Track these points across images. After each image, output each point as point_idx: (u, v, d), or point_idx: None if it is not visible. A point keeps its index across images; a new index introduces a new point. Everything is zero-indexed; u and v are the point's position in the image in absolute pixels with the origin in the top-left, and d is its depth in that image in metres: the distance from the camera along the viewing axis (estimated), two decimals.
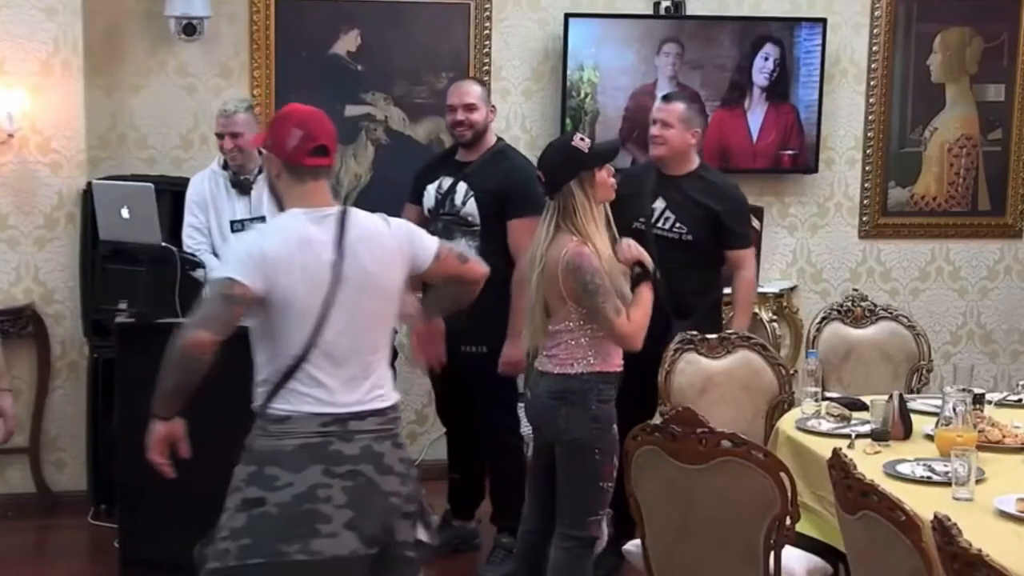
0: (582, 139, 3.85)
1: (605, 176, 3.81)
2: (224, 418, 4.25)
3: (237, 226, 4.84)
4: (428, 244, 3.23)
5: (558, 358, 3.81)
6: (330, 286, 2.98)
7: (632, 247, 3.86)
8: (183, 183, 5.59)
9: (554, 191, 3.79)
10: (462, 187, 4.75)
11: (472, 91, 4.83)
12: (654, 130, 4.66)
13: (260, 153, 4.88)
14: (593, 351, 3.79)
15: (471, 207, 4.71)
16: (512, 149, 4.98)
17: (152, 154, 5.85)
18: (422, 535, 3.13)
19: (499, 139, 4.93)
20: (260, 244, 3.01)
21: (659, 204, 4.64)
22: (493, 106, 4.94)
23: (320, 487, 2.94)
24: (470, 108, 4.77)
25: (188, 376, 2.98)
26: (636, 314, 3.76)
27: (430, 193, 4.83)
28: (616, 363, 3.86)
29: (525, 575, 4.03)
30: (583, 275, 3.69)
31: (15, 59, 5.42)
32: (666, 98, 4.83)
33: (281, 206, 3.14)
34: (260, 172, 4.87)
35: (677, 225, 4.61)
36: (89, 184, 5.36)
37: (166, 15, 5.67)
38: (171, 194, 5.43)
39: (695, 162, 4.72)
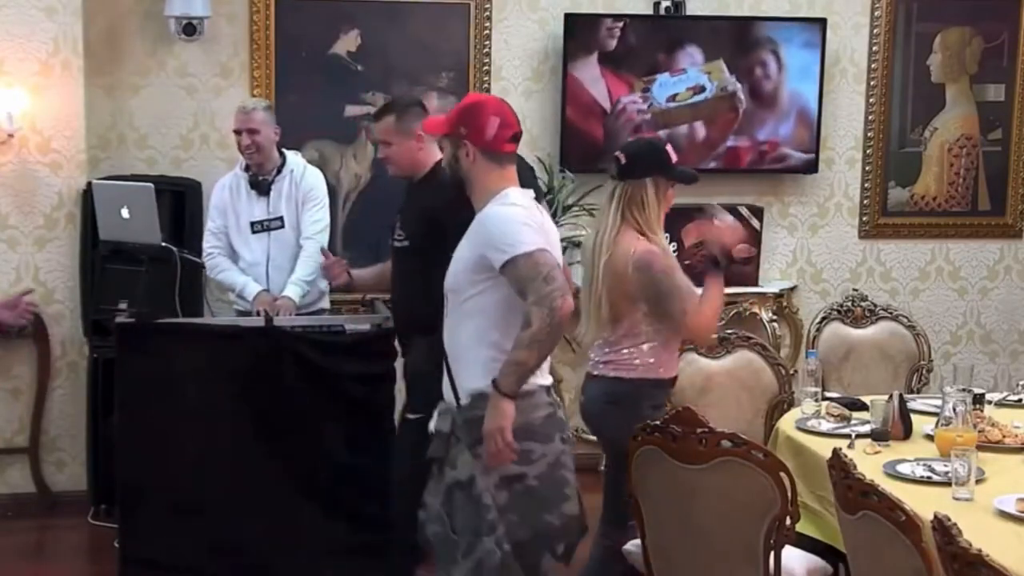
0: (671, 151, 3.88)
1: (672, 195, 3.87)
2: (223, 422, 4.28)
3: (257, 226, 4.89)
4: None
5: (615, 364, 3.84)
6: (559, 262, 3.23)
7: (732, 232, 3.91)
8: (183, 183, 5.62)
9: (628, 177, 3.81)
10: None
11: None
12: (380, 153, 4.34)
13: (280, 153, 4.93)
14: (653, 358, 3.82)
15: None
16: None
17: (152, 154, 5.85)
18: None
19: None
20: (527, 215, 3.18)
21: (398, 218, 4.30)
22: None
23: (563, 454, 3.22)
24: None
25: (550, 351, 3.15)
26: (707, 308, 3.79)
27: None
28: (672, 370, 3.90)
29: None
30: (655, 275, 3.72)
31: (15, 59, 5.42)
32: (375, 116, 4.40)
33: (465, 188, 3.32)
34: (279, 172, 4.90)
35: (398, 233, 4.25)
36: (89, 184, 5.37)
37: (166, 15, 5.67)
38: (171, 194, 5.44)
39: (428, 164, 4.25)
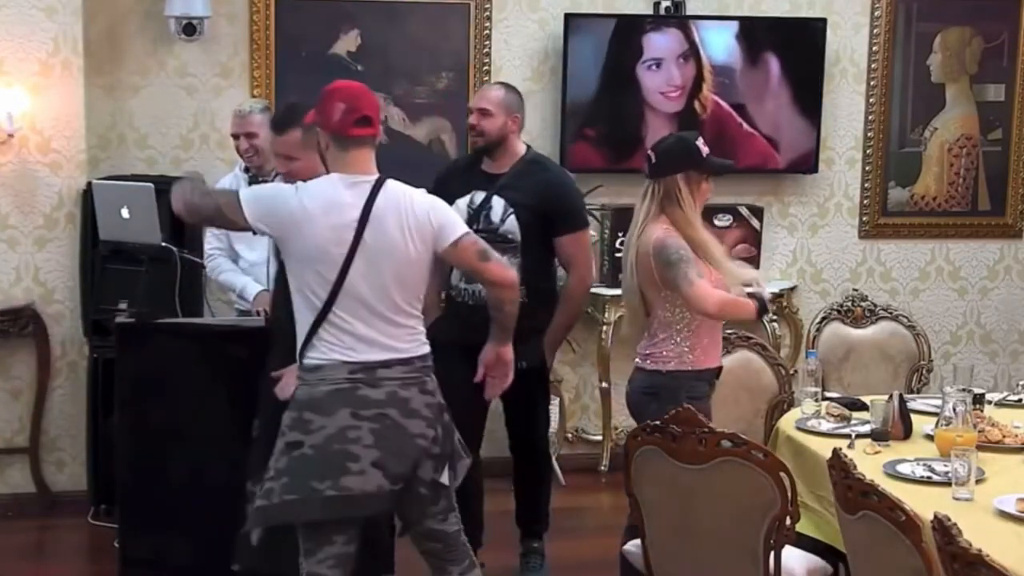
0: (704, 144, 3.92)
1: (707, 188, 3.93)
2: (224, 422, 4.28)
3: None
4: (453, 227, 3.46)
5: (652, 356, 3.93)
6: (352, 244, 3.29)
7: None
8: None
9: (659, 175, 3.88)
10: (499, 202, 4.43)
11: (490, 96, 4.52)
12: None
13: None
14: (690, 350, 3.88)
15: (511, 224, 4.41)
16: (545, 158, 4.72)
17: (152, 154, 5.85)
18: (444, 477, 3.46)
19: (529, 148, 4.61)
20: (288, 198, 3.35)
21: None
22: (516, 115, 4.53)
23: (349, 428, 3.28)
24: (484, 113, 4.48)
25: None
26: (721, 292, 3.83)
27: (460, 207, 4.38)
28: (713, 360, 3.96)
29: None
30: (667, 251, 3.80)
31: (15, 59, 5.42)
32: (274, 127, 4.02)
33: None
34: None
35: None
36: (89, 184, 5.36)
37: (166, 15, 5.67)
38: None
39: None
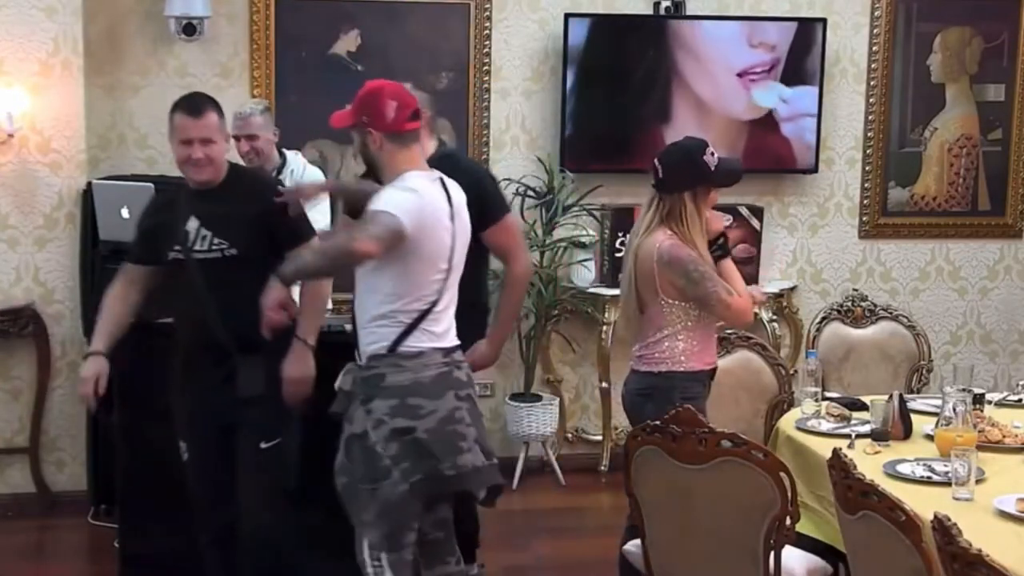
0: (712, 154, 3.87)
1: (715, 196, 3.92)
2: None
3: None
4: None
5: (646, 358, 3.93)
6: (451, 241, 3.46)
7: (717, 219, 3.96)
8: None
9: (666, 192, 3.87)
10: None
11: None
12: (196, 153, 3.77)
13: (280, 154, 4.92)
14: (683, 351, 3.88)
15: None
16: (456, 152, 4.72)
17: (152, 154, 5.85)
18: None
19: (441, 143, 4.36)
20: (416, 198, 3.37)
21: (193, 224, 3.79)
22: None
23: (456, 410, 3.45)
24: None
25: (335, 271, 3.71)
26: (741, 287, 3.90)
27: None
28: (707, 361, 3.96)
29: None
30: (684, 266, 3.80)
31: (15, 59, 5.42)
32: (192, 111, 3.79)
33: (378, 176, 3.51)
34: (279, 173, 4.89)
35: (216, 242, 3.78)
36: (89, 184, 5.37)
37: (166, 15, 5.67)
38: None
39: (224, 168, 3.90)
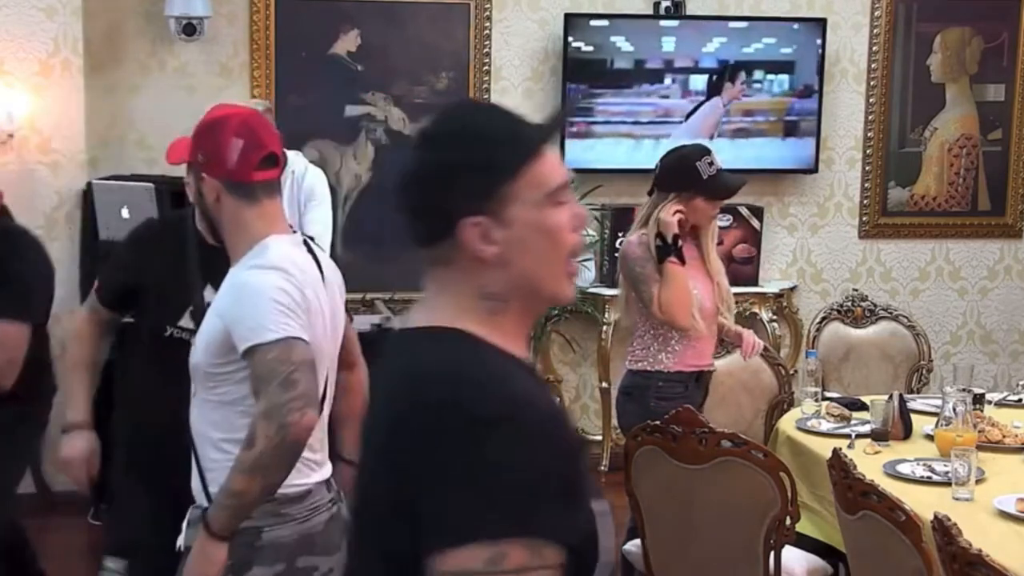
0: (710, 163, 3.85)
1: (706, 207, 3.87)
2: None
3: None
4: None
5: (631, 355, 3.98)
6: (327, 330, 2.57)
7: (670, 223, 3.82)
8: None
9: (656, 191, 3.90)
10: None
11: None
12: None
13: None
14: (659, 351, 3.88)
15: None
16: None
17: (152, 154, 5.84)
18: None
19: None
20: (294, 288, 2.47)
21: (209, 296, 2.82)
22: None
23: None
24: None
25: (289, 471, 2.41)
26: (665, 294, 3.79)
27: None
28: (690, 363, 3.92)
29: None
30: (629, 264, 3.86)
31: (15, 59, 5.42)
32: None
33: (217, 236, 2.64)
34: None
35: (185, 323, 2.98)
36: (89, 184, 5.36)
37: (166, 15, 5.67)
38: (171, 194, 5.43)
39: None
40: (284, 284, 2.44)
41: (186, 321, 2.85)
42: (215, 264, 2.71)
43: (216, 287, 2.67)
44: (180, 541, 2.55)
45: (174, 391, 2.70)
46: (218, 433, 2.51)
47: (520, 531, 1.38)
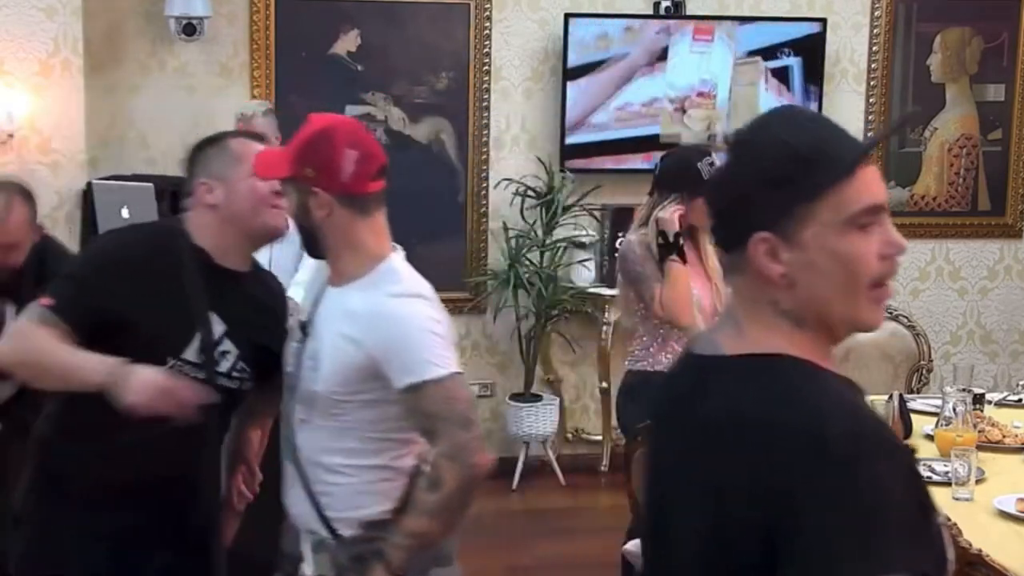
0: (711, 164, 3.83)
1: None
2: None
3: None
4: None
5: (630, 354, 3.98)
6: None
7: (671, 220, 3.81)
8: (183, 183, 5.60)
9: (656, 191, 3.89)
10: None
11: None
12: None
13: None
14: (657, 350, 3.88)
15: None
16: None
17: (152, 154, 5.85)
18: None
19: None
20: (440, 315, 2.41)
21: (218, 327, 2.59)
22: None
23: None
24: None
25: (465, 514, 2.38)
26: (667, 293, 3.78)
27: None
28: None
29: None
30: (630, 263, 3.85)
31: (15, 59, 5.42)
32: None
33: (316, 251, 2.47)
34: None
35: (240, 367, 2.64)
36: (89, 184, 5.36)
37: (166, 15, 5.68)
38: (171, 194, 5.42)
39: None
40: (434, 313, 2.39)
41: (191, 354, 2.54)
42: (219, 288, 2.58)
43: (223, 315, 2.56)
44: (308, 571, 2.48)
45: (180, 431, 2.45)
46: (338, 458, 2.42)
47: (897, 568, 1.35)
